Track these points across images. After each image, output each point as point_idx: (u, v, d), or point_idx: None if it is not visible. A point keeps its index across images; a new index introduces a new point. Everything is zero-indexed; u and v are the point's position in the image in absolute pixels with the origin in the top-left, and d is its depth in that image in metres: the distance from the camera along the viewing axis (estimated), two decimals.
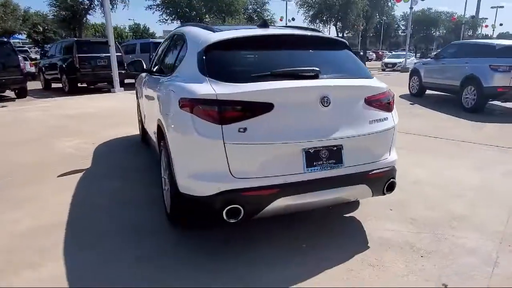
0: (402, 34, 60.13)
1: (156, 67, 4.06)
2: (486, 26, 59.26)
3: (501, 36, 66.87)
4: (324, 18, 29.03)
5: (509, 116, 8.20)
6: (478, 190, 3.70)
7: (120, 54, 12.41)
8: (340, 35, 28.27)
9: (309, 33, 2.93)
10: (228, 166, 2.24)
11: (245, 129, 2.21)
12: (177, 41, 3.38)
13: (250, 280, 2.26)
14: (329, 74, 2.51)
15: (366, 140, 2.50)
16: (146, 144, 5.10)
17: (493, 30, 61.29)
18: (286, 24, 41.42)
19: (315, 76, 2.41)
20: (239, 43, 2.60)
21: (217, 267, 2.39)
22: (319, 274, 2.32)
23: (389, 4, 32.79)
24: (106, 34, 11.74)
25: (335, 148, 2.39)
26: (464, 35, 48.34)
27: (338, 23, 29.03)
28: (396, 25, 59.33)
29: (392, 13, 37.83)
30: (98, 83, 13.26)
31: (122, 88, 12.02)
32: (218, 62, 2.52)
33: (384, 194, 2.67)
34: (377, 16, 34.52)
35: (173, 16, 37.31)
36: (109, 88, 12.53)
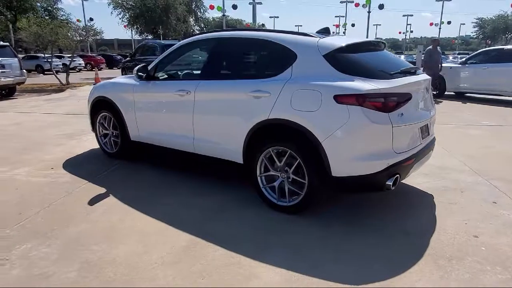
0: None
1: (198, 71, 3.93)
2: None
3: None
4: (145, 21, 28.52)
5: None
6: None
7: None
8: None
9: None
10: (392, 144, 2.82)
11: (402, 114, 2.85)
12: (252, 46, 3.52)
13: (409, 229, 2.93)
14: None
15: (434, 117, 3.49)
16: (134, 158, 4.66)
17: None
18: (85, 24, 38.16)
19: (415, 72, 3.23)
20: (358, 46, 3.12)
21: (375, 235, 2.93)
22: (439, 220, 3.18)
23: (202, 10, 35.23)
24: None
25: (426, 124, 3.28)
26: None
27: (158, 27, 29.05)
28: (192, 30, 62.97)
29: (205, 18, 40.47)
30: None
31: None
32: (356, 62, 3.02)
33: None
34: (192, 22, 36.33)
35: None
36: None
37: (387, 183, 2.83)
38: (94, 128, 4.98)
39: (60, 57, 26.73)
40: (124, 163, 4.64)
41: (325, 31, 3.56)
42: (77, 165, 4.55)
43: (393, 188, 2.87)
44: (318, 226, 2.99)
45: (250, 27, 52.84)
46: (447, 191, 3.73)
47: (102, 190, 3.74)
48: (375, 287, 2.23)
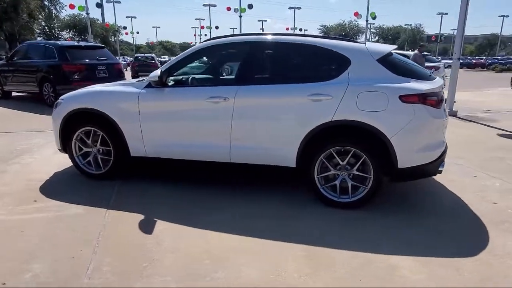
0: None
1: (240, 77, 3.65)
2: (127, 33, 66.79)
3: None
4: None
5: None
6: None
7: None
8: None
9: None
10: (443, 135, 3.34)
11: (445, 110, 3.38)
12: (301, 51, 3.56)
13: (450, 205, 3.51)
14: None
15: None
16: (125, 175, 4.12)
17: (133, 36, 70.60)
18: None
19: None
20: (392, 52, 3.50)
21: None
22: (460, 195, 3.85)
23: (57, 7, 30.71)
24: None
25: None
26: (110, 40, 52.12)
27: (4, 24, 24.15)
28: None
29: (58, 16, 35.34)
30: None
31: None
32: (404, 65, 3.41)
33: None
34: (43, 19, 31.39)
35: None
36: None
37: (439, 168, 3.33)
38: (66, 148, 4.16)
39: None
40: (120, 182, 4.03)
41: (345, 37, 3.85)
42: (65, 193, 3.74)
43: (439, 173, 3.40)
44: (382, 218, 3.25)
45: (110, 27, 49.24)
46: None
47: (139, 216, 3.23)
48: (487, 256, 2.66)
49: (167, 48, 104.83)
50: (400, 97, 3.12)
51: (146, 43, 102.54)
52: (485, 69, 40.09)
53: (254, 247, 2.76)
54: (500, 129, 7.05)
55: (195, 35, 73.51)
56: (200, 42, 3.94)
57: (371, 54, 3.32)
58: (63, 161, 4.66)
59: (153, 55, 26.77)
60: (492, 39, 73.31)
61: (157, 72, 3.61)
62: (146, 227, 3.04)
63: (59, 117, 4.08)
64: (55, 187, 3.94)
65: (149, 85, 3.76)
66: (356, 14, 31.39)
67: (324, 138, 3.33)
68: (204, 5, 50.48)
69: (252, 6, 35.77)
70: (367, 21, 31.15)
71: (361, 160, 3.28)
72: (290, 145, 3.40)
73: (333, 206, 3.41)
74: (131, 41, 78.01)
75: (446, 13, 64.79)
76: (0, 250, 2.67)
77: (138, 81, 4.14)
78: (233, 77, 3.71)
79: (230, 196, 3.70)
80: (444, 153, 3.39)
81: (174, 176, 4.30)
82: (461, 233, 2.99)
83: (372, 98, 3.18)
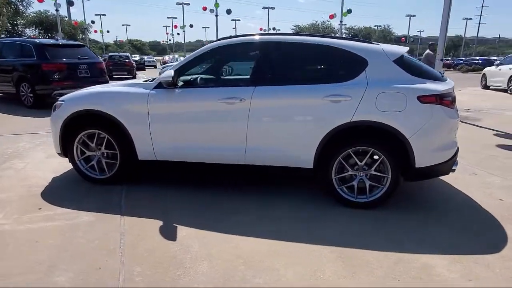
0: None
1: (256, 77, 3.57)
2: (96, 31, 64.75)
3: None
4: None
5: None
6: None
7: None
8: None
9: None
10: (455, 135, 3.42)
11: (457, 110, 3.46)
12: (318, 51, 3.53)
13: (460, 203, 3.61)
14: None
15: None
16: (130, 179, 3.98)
17: (102, 35, 68.51)
18: None
19: None
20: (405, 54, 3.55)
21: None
22: (467, 193, 3.97)
23: (24, 3, 29.22)
24: None
25: None
26: (78, 38, 50.44)
27: None
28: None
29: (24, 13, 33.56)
30: None
31: None
32: (418, 66, 3.45)
33: None
34: (7, 16, 29.77)
35: None
36: None
37: (453, 167, 3.41)
38: (67, 152, 3.96)
39: None
40: (127, 187, 3.88)
41: (355, 37, 3.88)
42: (69, 199, 3.56)
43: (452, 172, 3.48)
44: (400, 217, 3.30)
45: (79, 25, 47.57)
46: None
47: (157, 221, 3.12)
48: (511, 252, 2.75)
49: (136, 47, 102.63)
50: (419, 98, 3.17)
51: (114, 41, 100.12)
52: (451, 69, 41.72)
53: (283, 250, 2.72)
54: (486, 128, 7.34)
55: (167, 33, 72.52)
56: (207, 43, 3.85)
57: (387, 55, 3.35)
58: (58, 166, 4.47)
59: (127, 54, 26.16)
60: (456, 41, 76.54)
61: (170, 72, 3.49)
62: (168, 233, 2.93)
63: (59, 119, 3.88)
64: (57, 193, 3.74)
65: (159, 86, 3.64)
66: (331, 16, 31.90)
67: (343, 139, 3.33)
68: (178, 3, 49.70)
69: (231, 11, 35.60)
70: (341, 21, 31.69)
71: (380, 160, 3.31)
72: (308, 146, 3.38)
73: (350, 206, 3.43)
74: (98, 39, 75.96)
75: (414, 15, 67.16)
76: (17, 263, 2.50)
77: (144, 81, 4.01)
78: (248, 77, 3.65)
79: (245, 198, 3.64)
80: (456, 152, 3.47)
81: (182, 178, 4.19)
82: (479, 229, 3.08)
83: (390, 99, 3.21)
